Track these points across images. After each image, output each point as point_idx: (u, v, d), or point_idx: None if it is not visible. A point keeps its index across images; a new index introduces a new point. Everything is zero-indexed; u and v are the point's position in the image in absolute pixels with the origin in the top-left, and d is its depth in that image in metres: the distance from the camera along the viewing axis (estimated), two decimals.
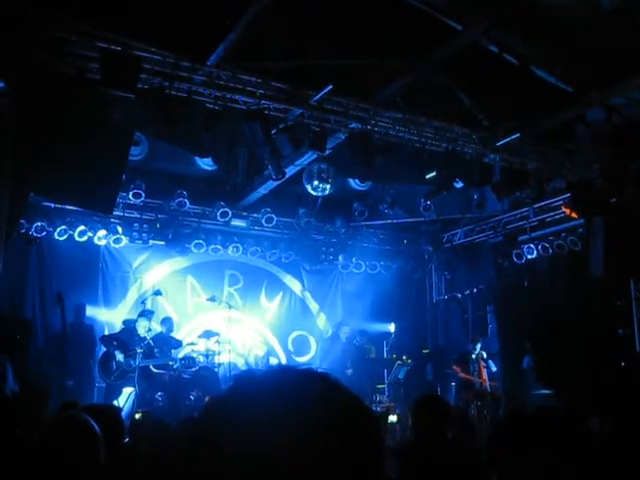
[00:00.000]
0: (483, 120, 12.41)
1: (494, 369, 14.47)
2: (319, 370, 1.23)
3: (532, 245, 15.18)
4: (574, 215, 13.55)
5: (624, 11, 9.64)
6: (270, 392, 1.16)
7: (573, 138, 13.07)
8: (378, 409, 13.18)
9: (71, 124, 8.81)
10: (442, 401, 5.71)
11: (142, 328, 12.84)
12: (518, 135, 12.25)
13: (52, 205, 13.06)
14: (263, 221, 15.00)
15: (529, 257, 15.31)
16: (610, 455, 4.51)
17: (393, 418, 12.16)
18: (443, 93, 11.95)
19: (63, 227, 13.34)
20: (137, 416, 10.60)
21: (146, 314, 13.06)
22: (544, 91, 11.56)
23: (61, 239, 13.42)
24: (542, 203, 14.64)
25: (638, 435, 4.88)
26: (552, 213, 14.74)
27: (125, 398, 12.42)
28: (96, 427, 2.94)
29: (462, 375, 14.11)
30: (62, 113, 8.77)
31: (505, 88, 11.26)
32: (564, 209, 13.74)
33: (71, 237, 13.48)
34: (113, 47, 9.07)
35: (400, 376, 14.50)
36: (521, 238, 15.53)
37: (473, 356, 14.33)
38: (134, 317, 13.29)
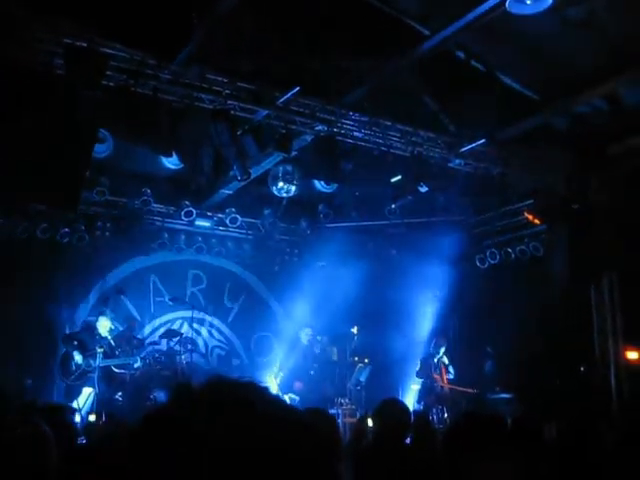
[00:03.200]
0: (449, 125, 12.48)
1: (452, 377, 14.53)
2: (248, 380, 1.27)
3: (495, 250, 15.30)
4: (536, 221, 13.68)
5: (588, 23, 9.75)
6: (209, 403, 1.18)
7: (537, 145, 13.17)
8: (339, 412, 13.19)
9: (35, 120, 8.71)
10: (402, 406, 5.72)
11: (103, 327, 12.73)
12: (483, 141, 12.35)
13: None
14: (227, 221, 14.94)
15: (492, 262, 15.42)
16: (566, 460, 4.56)
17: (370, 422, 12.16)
18: (410, 97, 12.01)
19: (25, 224, 13.16)
20: (91, 418, 10.55)
21: (106, 313, 12.94)
22: (510, 98, 11.65)
23: (22, 237, 13.23)
24: (506, 208, 14.76)
25: (592, 441, 4.93)
26: (515, 219, 14.87)
27: (85, 398, 12.30)
28: (47, 430, 2.91)
29: (444, 385, 14.20)
30: (25, 109, 8.67)
31: (471, 94, 11.33)
32: (527, 215, 13.87)
33: (33, 234, 13.30)
34: (79, 43, 8.98)
35: (362, 379, 14.50)
36: (484, 243, 15.66)
37: (435, 360, 14.40)
38: (95, 316, 13.17)
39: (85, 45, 9.00)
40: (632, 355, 13.10)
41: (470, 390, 14.48)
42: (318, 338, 15.27)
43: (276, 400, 1.26)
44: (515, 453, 4.16)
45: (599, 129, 12.44)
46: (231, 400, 1.18)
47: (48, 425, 3.00)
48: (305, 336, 15.00)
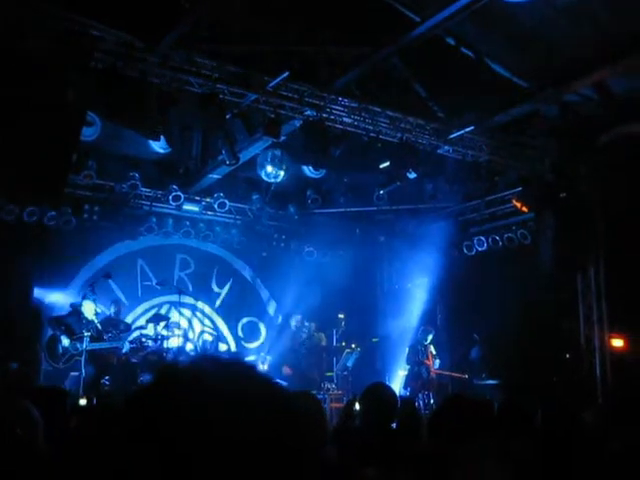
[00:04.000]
0: (438, 112, 12.48)
1: (437, 366, 14.58)
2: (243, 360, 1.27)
3: (482, 237, 15.34)
4: (524, 209, 13.72)
5: (579, 11, 9.75)
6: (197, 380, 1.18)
7: (526, 133, 13.19)
8: (326, 397, 13.23)
9: (22, 102, 8.65)
10: (389, 390, 5.74)
11: (88, 311, 12.69)
12: (472, 128, 12.36)
13: None
14: (216, 206, 14.90)
15: (479, 249, 15.47)
16: (551, 445, 4.59)
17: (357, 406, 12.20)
18: (399, 84, 12.00)
19: (11, 207, 13.10)
20: (82, 401, 10.52)
21: (89, 296, 12.90)
22: (499, 85, 11.65)
23: (9, 219, 13.16)
24: (494, 196, 14.80)
25: (578, 427, 4.96)
26: (503, 206, 14.92)
27: (72, 382, 12.29)
28: (35, 413, 2.90)
29: (432, 369, 14.25)
30: (13, 91, 8.61)
31: (461, 81, 11.33)
32: (514, 203, 13.89)
33: (20, 217, 13.22)
34: (67, 25, 8.91)
35: (349, 364, 14.55)
36: (472, 230, 15.70)
37: (422, 347, 14.45)
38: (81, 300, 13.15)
39: (72, 27, 8.93)
40: (617, 343, 13.18)
41: (459, 375, 14.56)
42: (306, 324, 15.30)
43: (262, 379, 1.25)
44: (501, 437, 4.19)
45: (588, 118, 12.47)
46: (215, 379, 1.18)
47: (48, 408, 3.00)
48: (294, 322, 15.03)
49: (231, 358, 1.26)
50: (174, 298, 14.44)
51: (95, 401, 10.68)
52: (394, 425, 5.64)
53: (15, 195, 12.11)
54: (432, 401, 13.66)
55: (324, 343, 15.52)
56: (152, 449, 1.10)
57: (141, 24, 9.46)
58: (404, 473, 3.92)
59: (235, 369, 1.23)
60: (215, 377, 1.19)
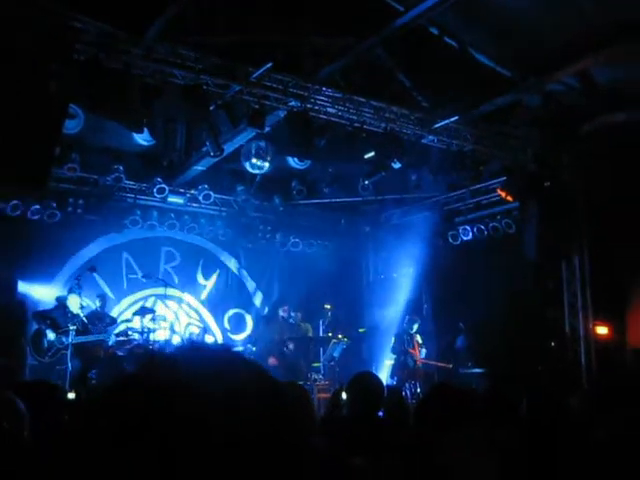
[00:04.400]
0: (422, 102, 12.50)
1: (423, 356, 14.62)
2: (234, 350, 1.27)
3: (468, 227, 15.37)
4: (509, 198, 13.76)
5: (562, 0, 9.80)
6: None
7: (510, 122, 13.23)
8: (313, 387, 13.25)
9: (4, 96, 8.59)
10: (375, 379, 5.76)
11: (73, 305, 12.65)
12: (456, 117, 12.38)
13: None
14: (200, 198, 14.87)
15: (464, 238, 15.50)
16: (536, 432, 4.62)
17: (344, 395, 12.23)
18: (383, 74, 12.00)
19: None
20: (71, 395, 10.48)
21: (75, 290, 12.85)
22: (483, 75, 11.68)
23: None
24: (478, 185, 14.83)
25: (564, 414, 5.00)
26: (488, 195, 14.96)
27: (58, 376, 12.25)
28: (21, 405, 2.89)
29: (418, 358, 14.30)
30: None
31: (444, 71, 11.35)
32: (499, 192, 13.94)
33: (3, 211, 13.16)
34: (49, 16, 8.85)
35: (335, 354, 14.56)
36: (457, 219, 15.73)
37: (409, 336, 14.49)
38: (66, 294, 13.09)
39: (55, 19, 8.86)
40: (602, 330, 13.27)
41: (445, 365, 14.62)
42: (292, 314, 15.31)
43: (250, 367, 1.25)
44: (486, 426, 4.21)
45: (571, 107, 12.51)
46: (201, 367, 1.18)
47: (36, 403, 2.99)
48: (282, 312, 15.03)
49: (218, 345, 1.26)
50: (160, 291, 14.40)
51: (83, 395, 10.65)
52: (381, 414, 5.66)
53: None
54: (419, 390, 13.71)
55: (310, 333, 15.53)
56: (138, 440, 1.10)
57: (124, 16, 9.42)
58: (391, 462, 3.94)
59: (223, 357, 1.23)
60: (201, 365, 1.19)
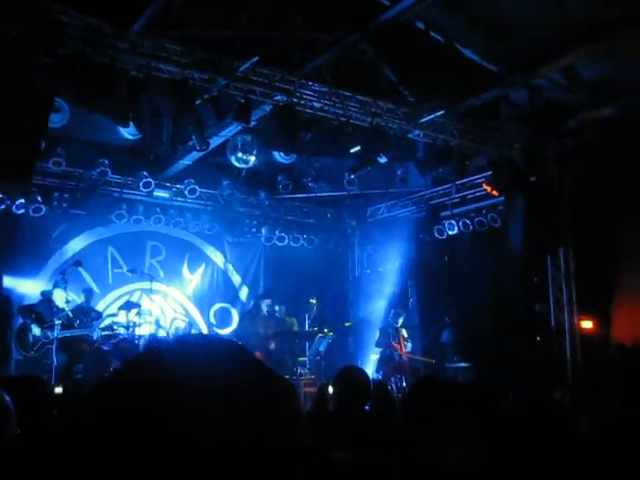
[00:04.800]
0: (408, 96, 12.50)
1: (409, 349, 14.65)
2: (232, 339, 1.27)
3: (453, 221, 15.39)
4: (494, 193, 13.81)
5: None
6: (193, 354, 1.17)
7: (496, 117, 13.26)
8: (299, 382, 13.27)
9: None
10: (362, 373, 5.78)
11: (59, 299, 12.62)
12: (442, 112, 12.39)
13: None
14: (186, 192, 14.84)
15: (450, 233, 15.53)
16: (521, 425, 4.65)
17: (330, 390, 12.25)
18: (369, 68, 11.99)
19: None
20: (58, 389, 10.46)
21: (60, 284, 12.82)
22: (469, 70, 11.68)
23: None
24: (464, 180, 14.87)
25: (549, 406, 5.04)
26: (473, 190, 15.00)
27: (43, 370, 12.21)
28: (7, 399, 2.88)
29: (403, 352, 14.31)
30: None
31: (431, 65, 11.36)
32: (485, 187, 13.98)
33: None
34: (35, 9, 8.80)
35: (321, 349, 14.58)
36: (443, 214, 15.76)
37: (394, 330, 14.51)
38: (52, 288, 13.05)
39: (40, 12, 8.82)
40: (587, 324, 13.34)
41: (428, 360, 14.65)
42: (276, 308, 15.33)
43: (237, 359, 1.25)
44: (471, 419, 4.23)
45: (556, 102, 12.55)
46: (185, 363, 1.18)
47: (27, 397, 2.98)
48: (265, 307, 15.03)
49: (204, 336, 1.26)
50: (145, 285, 14.38)
51: (70, 389, 10.63)
52: (367, 408, 5.67)
53: None
54: (404, 384, 13.73)
55: (295, 328, 15.55)
56: (123, 439, 1.10)
57: (110, 9, 9.37)
58: (375, 455, 3.95)
59: (209, 349, 1.23)
60: (187, 360, 1.19)
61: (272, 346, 14.31)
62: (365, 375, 5.75)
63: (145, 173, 14.17)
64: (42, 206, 13.71)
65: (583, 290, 13.34)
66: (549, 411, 5.01)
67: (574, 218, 13.14)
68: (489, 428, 4.40)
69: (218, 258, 16.89)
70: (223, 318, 16.58)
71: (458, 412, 3.95)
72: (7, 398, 2.90)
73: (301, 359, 14.75)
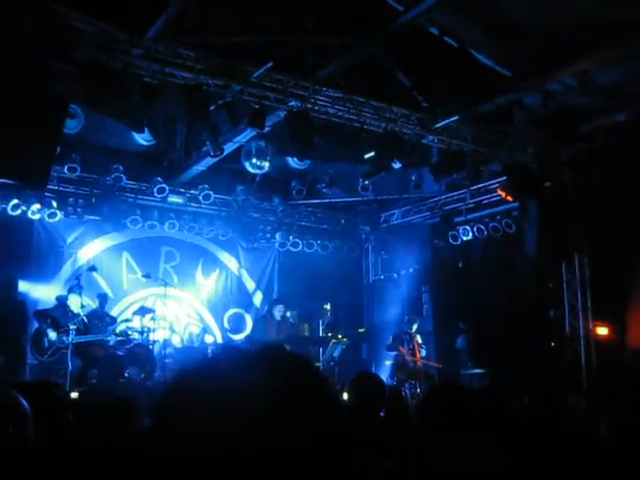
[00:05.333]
0: (422, 102, 12.49)
1: (423, 355, 14.59)
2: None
3: (468, 227, 15.35)
4: (509, 198, 13.77)
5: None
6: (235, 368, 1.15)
7: (510, 122, 13.23)
8: None
9: (4, 95, 8.60)
10: (377, 379, 5.76)
11: (74, 304, 12.66)
12: (456, 117, 12.37)
13: None
14: (200, 198, 14.89)
15: (464, 238, 15.48)
16: (537, 431, 4.62)
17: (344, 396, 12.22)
18: (383, 74, 11.99)
19: None
20: (74, 395, 10.48)
21: (75, 289, 12.87)
22: (483, 75, 11.66)
23: None
24: (478, 185, 14.83)
25: (564, 412, 5.01)
26: (488, 195, 14.96)
27: (58, 375, 12.25)
28: (25, 405, 2.88)
29: (408, 357, 14.22)
30: None
31: (444, 70, 11.34)
32: (499, 192, 13.94)
33: (4, 211, 13.18)
34: (49, 17, 8.84)
35: (335, 355, 14.55)
36: (457, 219, 15.71)
37: (407, 336, 14.46)
38: (67, 293, 13.10)
39: (56, 19, 8.86)
40: (602, 331, 13.26)
41: (437, 365, 14.61)
42: (288, 314, 15.31)
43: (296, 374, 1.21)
44: (486, 424, 4.21)
45: (571, 107, 12.51)
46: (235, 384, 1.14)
47: (40, 401, 2.98)
48: (278, 312, 15.00)
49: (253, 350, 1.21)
50: (160, 290, 14.39)
51: (84, 395, 10.65)
52: (382, 414, 5.66)
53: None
54: (418, 390, 13.68)
55: (307, 333, 15.54)
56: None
57: (125, 16, 9.41)
58: (392, 461, 3.94)
59: (266, 365, 1.19)
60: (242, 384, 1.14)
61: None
62: (380, 381, 5.74)
63: (159, 179, 14.22)
64: (57, 211, 13.80)
65: (598, 296, 13.27)
66: (564, 417, 4.99)
67: (589, 223, 13.06)
68: (504, 433, 4.38)
69: (232, 263, 16.91)
70: (237, 323, 16.58)
71: (473, 418, 3.94)
72: (24, 403, 2.90)
73: (315, 365, 14.69)
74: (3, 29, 8.76)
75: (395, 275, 17.33)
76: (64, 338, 12.21)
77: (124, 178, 13.85)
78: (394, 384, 13.49)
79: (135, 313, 13.95)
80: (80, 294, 12.88)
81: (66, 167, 13.03)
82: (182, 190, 15.02)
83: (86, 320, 12.67)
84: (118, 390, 11.89)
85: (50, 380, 7.58)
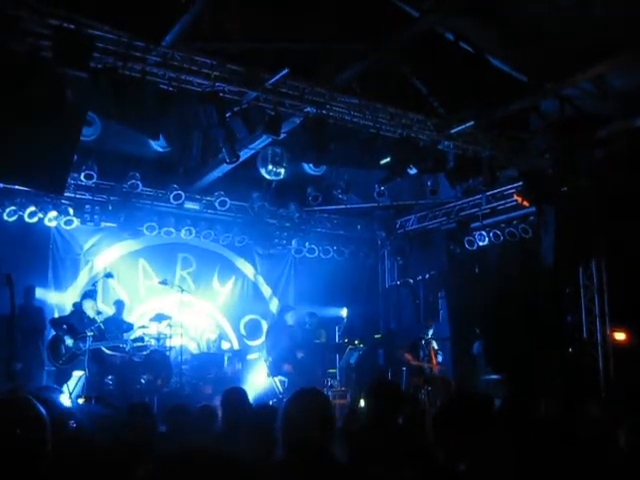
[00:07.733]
0: (438, 107, 12.47)
1: (440, 359, 14.55)
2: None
3: (484, 232, 15.33)
4: (525, 203, 13.72)
5: (578, 5, 9.74)
6: None
7: (526, 127, 13.19)
8: (330, 394, 13.22)
9: (22, 103, 8.65)
10: (394, 386, 5.75)
11: (89, 309, 12.71)
12: (472, 123, 12.34)
13: (0, 185, 12.77)
14: (217, 204, 14.92)
15: (480, 244, 15.46)
16: (555, 438, 4.59)
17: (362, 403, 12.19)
18: (399, 79, 11.98)
19: (12, 208, 13.11)
20: (80, 401, 10.53)
21: (90, 294, 12.93)
22: (499, 80, 11.64)
23: (10, 220, 13.17)
24: (494, 191, 14.80)
25: (582, 419, 4.98)
26: (504, 201, 14.91)
27: (75, 381, 12.31)
28: (43, 413, 2.87)
29: (413, 363, 14.16)
30: (13, 92, 8.61)
31: (460, 76, 11.32)
32: (516, 197, 13.89)
33: (21, 218, 13.25)
34: (66, 25, 8.89)
35: (352, 361, 14.54)
36: (473, 225, 15.69)
37: (424, 342, 14.42)
38: (83, 299, 13.15)
39: (72, 27, 8.90)
40: (619, 336, 13.20)
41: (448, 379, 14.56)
42: (305, 320, 15.30)
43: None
44: (504, 432, 4.20)
45: (587, 112, 12.47)
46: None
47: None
48: (290, 318, 14.96)
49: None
50: (176, 297, 14.42)
51: (95, 401, 10.63)
52: (400, 421, 5.64)
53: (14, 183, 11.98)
54: (435, 396, 13.63)
55: (324, 339, 15.53)
56: None
57: (141, 24, 9.45)
58: (410, 470, 3.93)
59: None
60: None
61: (300, 355, 14.21)
62: (397, 388, 5.73)
63: (175, 185, 14.28)
64: (74, 219, 13.88)
65: (615, 301, 13.21)
66: (582, 423, 4.96)
67: (606, 228, 13.00)
68: (522, 440, 4.36)
69: (248, 270, 16.94)
70: (253, 330, 16.60)
71: (492, 425, 3.92)
72: (43, 412, 2.90)
73: (331, 371, 14.70)
74: (21, 39, 8.84)
75: (411, 281, 17.28)
76: (81, 344, 12.26)
77: (140, 185, 13.90)
78: (410, 390, 13.46)
79: (152, 319, 13.98)
80: (94, 298, 12.94)
81: (83, 174, 13.10)
82: (198, 197, 15.06)
83: (102, 327, 12.71)
84: (134, 396, 11.93)
85: (50, 386, 7.55)
